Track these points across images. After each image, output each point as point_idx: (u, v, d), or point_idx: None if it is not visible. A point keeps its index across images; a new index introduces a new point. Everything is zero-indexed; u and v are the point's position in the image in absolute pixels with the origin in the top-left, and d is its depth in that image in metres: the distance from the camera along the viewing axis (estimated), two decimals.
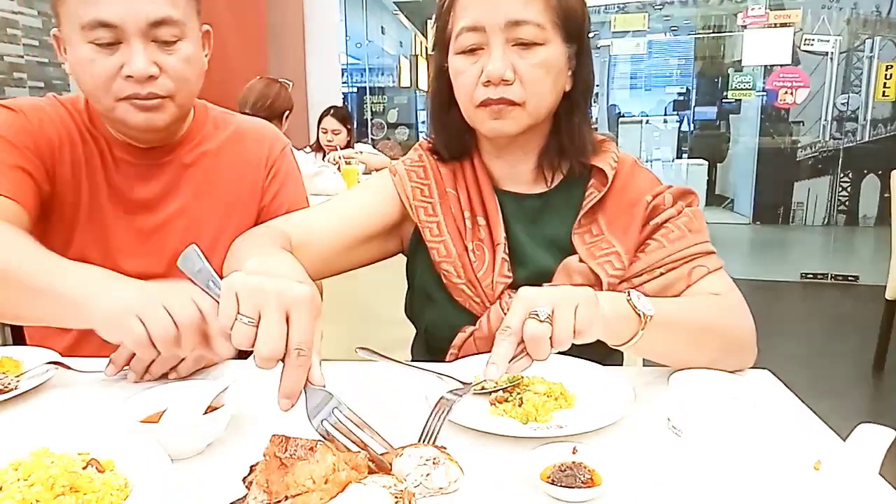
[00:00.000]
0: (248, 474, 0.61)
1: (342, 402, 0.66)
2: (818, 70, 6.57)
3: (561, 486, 0.66)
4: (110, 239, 1.17)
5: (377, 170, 3.86)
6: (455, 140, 1.13)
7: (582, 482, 0.67)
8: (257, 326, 0.65)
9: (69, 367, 0.97)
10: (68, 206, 1.16)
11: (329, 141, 4.23)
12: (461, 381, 0.90)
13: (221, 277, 0.72)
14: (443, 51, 1.08)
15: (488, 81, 0.99)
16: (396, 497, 0.58)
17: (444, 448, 0.64)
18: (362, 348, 1.01)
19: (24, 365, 0.96)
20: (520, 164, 1.12)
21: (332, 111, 4.32)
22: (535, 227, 1.10)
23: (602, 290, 1.00)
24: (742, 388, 0.75)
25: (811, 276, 5.23)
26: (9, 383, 0.88)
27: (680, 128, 9.05)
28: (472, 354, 1.00)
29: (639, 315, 0.82)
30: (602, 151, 1.12)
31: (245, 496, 0.58)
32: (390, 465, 0.62)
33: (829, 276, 5.21)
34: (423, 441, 0.72)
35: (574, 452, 0.71)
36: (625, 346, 0.83)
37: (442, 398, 0.78)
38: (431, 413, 0.75)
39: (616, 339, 0.83)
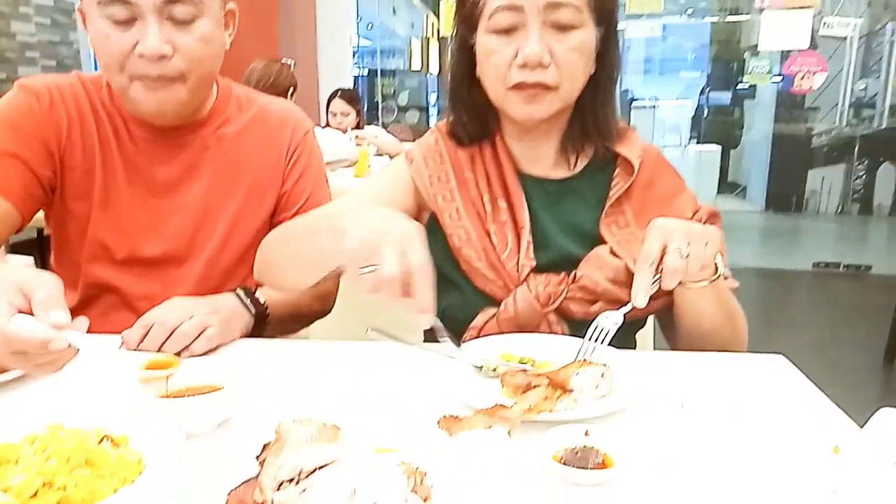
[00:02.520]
0: (262, 452, 0.61)
1: None
2: (837, 55, 6.47)
3: (573, 468, 0.65)
4: (130, 221, 1.16)
5: (389, 154, 3.85)
6: (476, 121, 1.12)
7: (594, 465, 0.67)
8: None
9: (83, 342, 0.97)
10: (82, 189, 1.15)
11: (338, 123, 4.22)
12: (472, 364, 0.90)
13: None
14: (470, 28, 1.05)
15: (524, 64, 0.98)
16: (409, 474, 0.58)
17: (606, 365, 0.80)
18: (374, 329, 1.02)
19: None
20: (542, 147, 1.11)
21: (339, 93, 4.29)
22: (558, 212, 1.09)
23: (631, 283, 1.03)
24: (760, 371, 0.74)
25: (823, 265, 5.19)
26: None
27: (694, 113, 8.96)
28: (493, 335, 1.00)
29: (716, 266, 0.90)
30: (626, 139, 1.11)
31: (259, 474, 0.58)
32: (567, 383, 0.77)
33: (842, 265, 5.16)
34: (581, 359, 0.86)
35: (586, 435, 0.71)
36: (689, 287, 0.90)
37: (598, 321, 0.90)
38: (588, 336, 0.89)
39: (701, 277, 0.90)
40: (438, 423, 0.73)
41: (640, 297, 0.84)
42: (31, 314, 0.69)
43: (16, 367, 0.75)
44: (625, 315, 0.89)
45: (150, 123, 1.16)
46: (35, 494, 0.54)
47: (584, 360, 0.84)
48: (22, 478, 0.54)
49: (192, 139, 1.19)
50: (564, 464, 0.66)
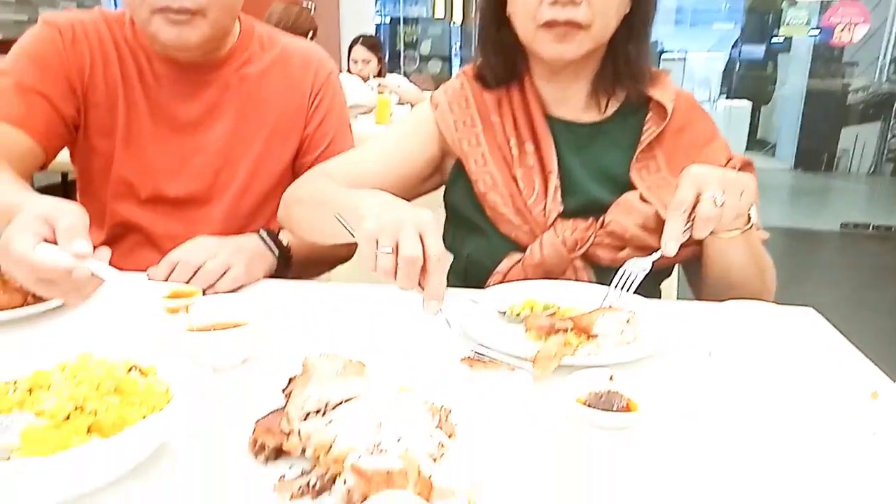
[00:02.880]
0: (288, 385, 0.61)
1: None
2: (881, 5, 6.17)
3: (597, 410, 0.65)
4: (153, 159, 1.16)
5: (411, 103, 3.80)
6: (504, 62, 1.09)
7: (618, 408, 0.66)
8: (396, 254, 0.73)
9: (110, 278, 0.98)
10: (105, 126, 1.15)
11: (359, 71, 4.15)
12: (496, 308, 0.89)
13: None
14: None
15: (555, 1, 0.94)
16: (433, 412, 0.58)
17: (633, 311, 0.80)
18: None
19: None
20: (572, 89, 1.08)
21: (361, 40, 4.21)
22: (587, 157, 1.07)
23: (660, 229, 1.01)
24: (790, 321, 0.72)
25: (852, 225, 5.08)
26: None
27: (725, 67, 8.68)
28: (518, 280, 1.00)
29: (749, 217, 0.88)
30: (659, 83, 1.08)
31: (285, 405, 0.59)
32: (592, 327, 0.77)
33: (871, 226, 5.05)
34: (606, 305, 0.86)
35: (611, 380, 0.70)
36: (720, 237, 0.89)
37: (626, 267, 0.88)
38: (615, 283, 0.87)
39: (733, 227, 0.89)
40: (462, 360, 0.74)
41: (670, 244, 0.82)
42: (56, 243, 0.70)
43: (43, 294, 0.77)
44: (653, 263, 0.87)
45: (172, 60, 1.14)
46: (67, 418, 0.55)
47: (610, 306, 0.83)
48: (54, 401, 0.55)
49: (214, 77, 1.17)
50: (588, 406, 0.66)
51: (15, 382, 0.61)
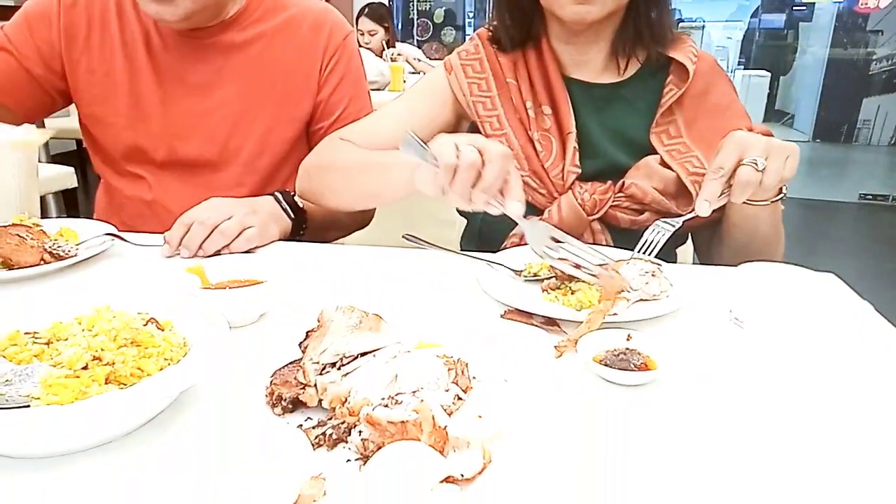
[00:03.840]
0: (304, 339, 0.61)
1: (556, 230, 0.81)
2: None
3: (614, 368, 0.65)
4: (163, 122, 1.15)
5: (424, 72, 3.75)
6: (521, 23, 1.06)
7: (635, 367, 0.66)
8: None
9: (125, 240, 0.99)
10: (101, 92, 1.15)
11: (366, 43, 4.03)
12: (512, 269, 0.89)
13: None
14: None
15: None
16: (450, 366, 0.58)
17: (660, 265, 0.80)
18: (408, 236, 1.01)
19: (81, 235, 0.98)
20: (591, 50, 1.05)
21: (366, 10, 4.08)
22: (605, 119, 1.05)
23: (682, 199, 1.00)
24: (812, 284, 0.71)
25: (870, 196, 5.00)
26: (69, 250, 0.90)
27: (743, 36, 8.48)
28: None
29: (781, 188, 0.87)
30: (681, 45, 1.05)
31: (302, 357, 0.59)
32: (617, 272, 0.77)
33: (890, 197, 4.97)
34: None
35: (628, 339, 0.69)
36: (752, 204, 0.87)
37: (653, 229, 0.87)
38: (645, 238, 0.86)
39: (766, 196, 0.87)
40: (503, 315, 0.75)
41: (704, 205, 0.80)
42: None
43: None
44: (683, 223, 0.86)
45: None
46: (85, 368, 0.55)
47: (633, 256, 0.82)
48: (73, 351, 0.55)
49: (220, 40, 1.15)
50: (605, 365, 0.65)
51: (34, 334, 0.61)
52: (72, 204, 3.11)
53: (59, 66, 1.14)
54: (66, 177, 2.78)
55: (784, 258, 1.01)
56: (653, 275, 0.78)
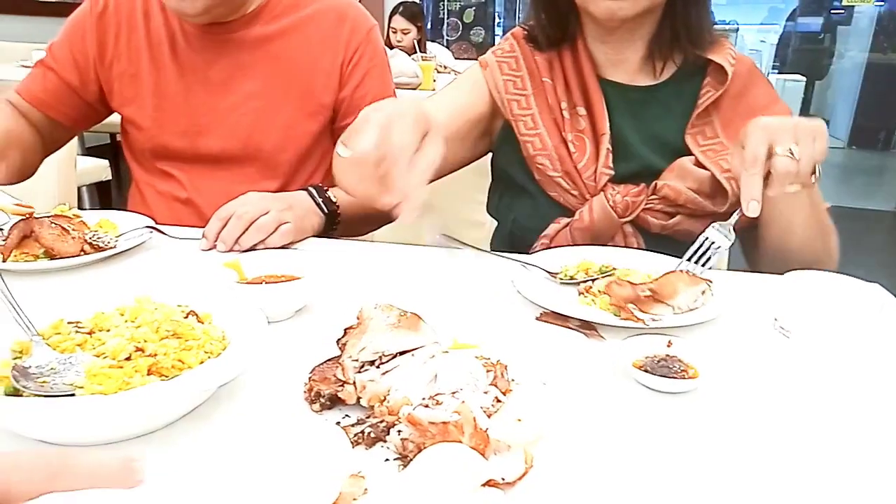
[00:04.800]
0: (343, 336, 0.61)
1: None
2: None
3: (655, 375, 0.63)
4: (188, 119, 1.17)
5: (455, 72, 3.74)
6: (557, 22, 1.05)
7: (676, 374, 0.65)
8: None
9: (164, 233, 1.00)
10: (129, 93, 1.17)
11: (399, 41, 4.05)
12: (548, 271, 0.88)
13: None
14: None
15: None
16: (489, 367, 0.57)
17: (711, 282, 0.78)
18: (443, 235, 1.00)
19: (120, 227, 0.99)
20: (627, 51, 1.04)
21: (400, 9, 4.10)
22: (640, 121, 1.03)
23: (718, 197, 0.98)
24: (861, 294, 0.69)
25: None
26: (109, 241, 0.92)
27: (778, 40, 8.32)
28: (565, 246, 0.98)
29: (815, 170, 0.83)
30: (719, 47, 1.03)
31: (340, 354, 0.58)
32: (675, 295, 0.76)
33: None
34: (683, 270, 0.82)
35: (669, 346, 0.68)
36: (786, 190, 0.84)
37: (706, 236, 0.84)
38: (692, 250, 0.84)
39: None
40: (539, 317, 0.75)
41: (753, 205, 0.76)
42: None
43: None
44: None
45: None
46: (128, 359, 0.55)
47: (691, 272, 0.80)
48: (116, 341, 0.55)
49: (242, 36, 1.16)
50: (645, 371, 0.64)
51: (77, 323, 0.62)
52: (105, 197, 3.17)
53: (94, 74, 1.18)
54: (100, 170, 2.84)
55: (835, 254, 0.98)
56: (703, 293, 0.76)
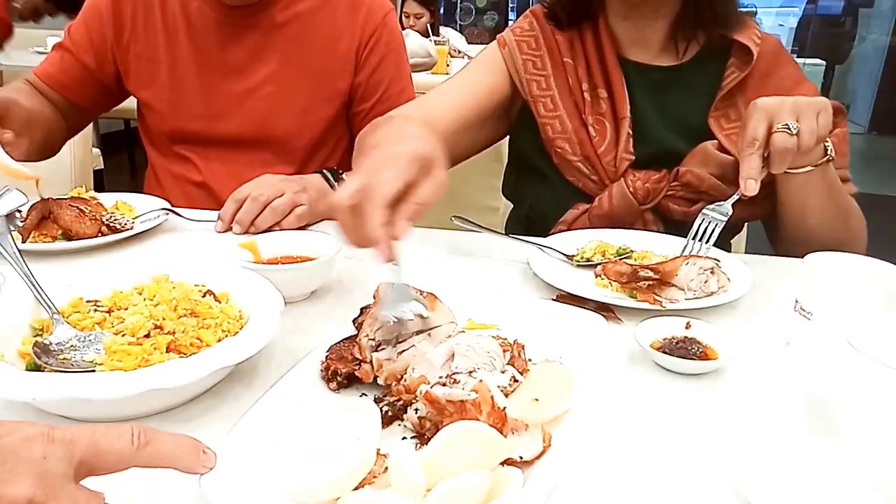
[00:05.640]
0: (359, 315, 0.61)
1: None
2: None
3: (673, 356, 0.63)
4: (204, 104, 1.17)
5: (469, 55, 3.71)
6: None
7: (694, 356, 0.64)
8: None
9: (180, 215, 1.00)
10: (146, 76, 1.17)
11: (411, 26, 4.02)
12: (563, 253, 0.87)
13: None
14: None
15: None
16: (506, 346, 0.57)
17: (718, 261, 0.77)
18: (458, 217, 0.99)
19: (136, 210, 1.00)
20: (649, 29, 1.02)
21: None
22: (662, 104, 1.01)
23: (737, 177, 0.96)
24: (883, 276, 0.68)
25: None
26: (125, 223, 0.92)
27: (798, 24, 8.18)
28: (584, 230, 0.97)
29: (826, 150, 0.83)
30: (744, 26, 1.00)
31: (357, 334, 0.58)
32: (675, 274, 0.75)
33: None
34: (689, 253, 0.83)
35: (688, 328, 0.67)
36: (795, 173, 0.84)
37: (704, 215, 0.85)
38: (696, 226, 0.84)
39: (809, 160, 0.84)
40: (555, 299, 0.74)
41: (750, 184, 0.77)
42: None
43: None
44: (732, 207, 0.83)
45: (218, 2, 1.13)
46: (147, 336, 0.56)
47: (692, 254, 0.79)
48: (135, 319, 0.56)
49: (259, 20, 1.15)
50: (664, 352, 0.64)
51: (95, 302, 0.62)
52: (98, 187, 3.18)
53: (111, 55, 1.18)
54: (92, 158, 2.84)
55: (861, 235, 0.96)
56: (711, 272, 0.75)
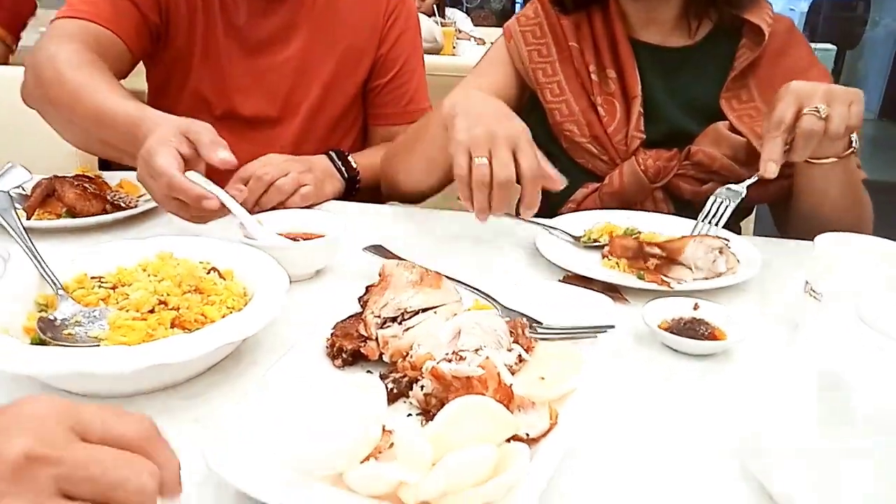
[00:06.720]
0: (365, 294, 0.60)
1: None
2: None
3: (681, 336, 0.62)
4: (227, 78, 1.15)
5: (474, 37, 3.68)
6: None
7: (702, 336, 0.63)
8: (490, 163, 0.73)
9: None
10: (183, 44, 1.13)
11: (417, 7, 3.99)
12: (570, 234, 0.86)
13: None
14: None
15: None
16: (511, 325, 0.56)
17: (728, 241, 0.76)
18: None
19: (141, 188, 0.99)
20: (660, 9, 1.00)
21: None
22: (673, 84, 1.00)
23: (753, 164, 0.94)
24: (893, 256, 0.67)
25: None
26: (130, 202, 0.92)
27: (809, 7, 8.07)
28: (594, 209, 0.96)
29: (851, 142, 0.82)
30: (756, 6, 0.99)
31: (362, 311, 0.58)
32: (682, 251, 0.74)
33: None
34: (699, 233, 0.82)
35: (696, 308, 0.67)
36: (818, 164, 0.84)
37: (717, 195, 0.84)
38: (709, 206, 0.84)
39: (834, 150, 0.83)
40: (562, 279, 0.74)
41: (770, 166, 0.76)
42: (197, 156, 0.74)
43: (170, 211, 0.77)
44: (747, 189, 0.82)
45: None
46: (152, 311, 0.55)
47: (701, 234, 0.79)
48: (140, 294, 0.55)
49: None
50: (672, 333, 0.63)
51: (100, 278, 0.62)
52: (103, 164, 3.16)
53: (161, 11, 1.09)
54: None
55: (869, 223, 0.95)
56: (720, 252, 0.74)
